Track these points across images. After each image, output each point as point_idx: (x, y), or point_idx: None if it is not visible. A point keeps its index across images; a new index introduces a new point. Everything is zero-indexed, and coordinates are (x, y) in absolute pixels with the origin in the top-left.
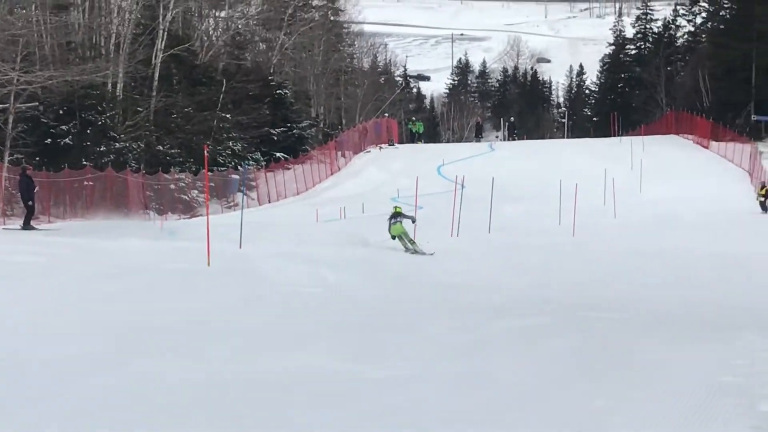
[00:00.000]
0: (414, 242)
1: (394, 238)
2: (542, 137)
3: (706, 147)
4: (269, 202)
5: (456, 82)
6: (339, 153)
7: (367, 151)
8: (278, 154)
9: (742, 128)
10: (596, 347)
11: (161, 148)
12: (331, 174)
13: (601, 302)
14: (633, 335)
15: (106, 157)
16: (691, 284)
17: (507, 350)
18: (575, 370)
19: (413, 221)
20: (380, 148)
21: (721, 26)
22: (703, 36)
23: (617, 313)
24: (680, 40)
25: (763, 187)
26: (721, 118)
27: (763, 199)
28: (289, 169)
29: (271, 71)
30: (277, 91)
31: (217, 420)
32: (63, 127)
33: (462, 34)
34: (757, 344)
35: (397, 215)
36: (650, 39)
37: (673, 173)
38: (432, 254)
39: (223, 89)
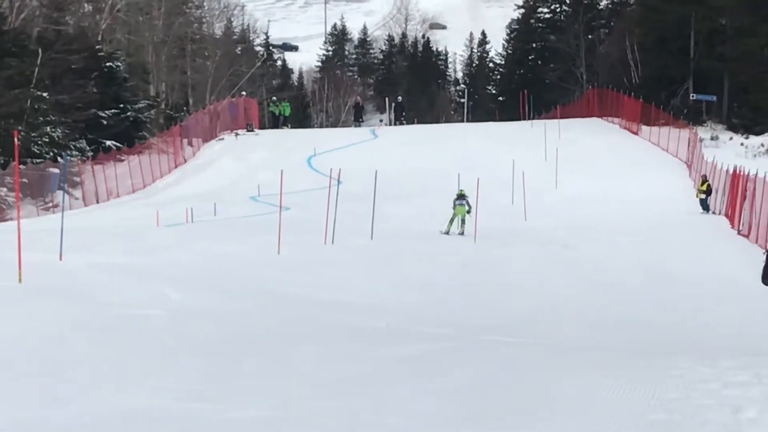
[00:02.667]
0: (464, 223)
1: (455, 215)
2: (437, 121)
3: (636, 133)
4: (97, 202)
5: (330, 53)
6: (185, 141)
7: (220, 139)
8: (109, 143)
9: (678, 110)
10: (503, 379)
11: None
12: (176, 167)
13: (509, 324)
14: (548, 363)
15: None
16: (616, 301)
17: (393, 385)
18: (477, 408)
19: (469, 210)
20: (236, 134)
21: None
22: None
23: (529, 338)
24: (604, 2)
25: (704, 181)
26: (653, 97)
27: (704, 195)
28: (122, 160)
29: (100, 39)
30: (107, 64)
31: None
32: None
33: None
34: (694, 374)
35: (462, 197)
36: (567, 1)
37: (596, 165)
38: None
39: (39, 61)
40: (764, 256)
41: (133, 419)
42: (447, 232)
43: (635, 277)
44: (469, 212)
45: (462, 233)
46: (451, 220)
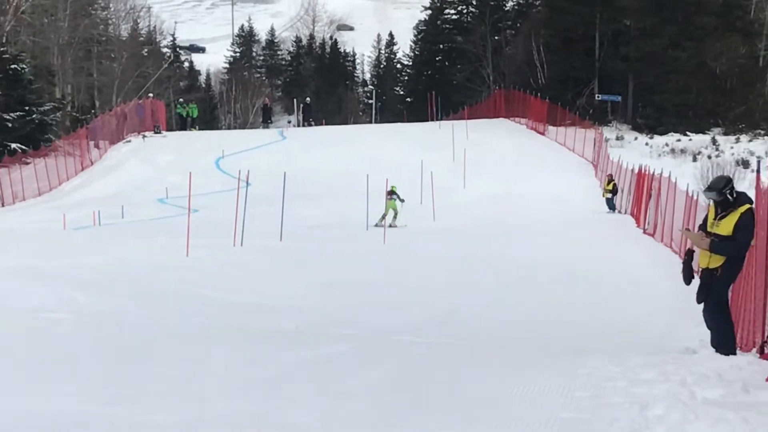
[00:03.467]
0: (396, 218)
1: (387, 211)
2: (345, 122)
3: (542, 133)
4: (2, 205)
5: (238, 54)
6: (92, 143)
7: (128, 141)
8: (13, 145)
9: (584, 110)
10: (413, 380)
11: None
12: (82, 169)
13: (418, 325)
14: (458, 363)
15: None
16: (525, 300)
17: (302, 387)
18: (386, 408)
19: (402, 200)
20: (144, 136)
21: None
22: None
23: (438, 338)
24: (510, 3)
25: (610, 181)
26: (559, 97)
27: (610, 195)
28: (27, 163)
29: (4, 41)
30: (12, 66)
31: None
32: None
33: None
34: (604, 372)
35: (392, 193)
36: (474, 2)
37: (503, 165)
38: (405, 226)
39: None
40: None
41: (39, 424)
42: (377, 225)
43: (544, 276)
44: (402, 201)
45: (394, 225)
46: (383, 215)
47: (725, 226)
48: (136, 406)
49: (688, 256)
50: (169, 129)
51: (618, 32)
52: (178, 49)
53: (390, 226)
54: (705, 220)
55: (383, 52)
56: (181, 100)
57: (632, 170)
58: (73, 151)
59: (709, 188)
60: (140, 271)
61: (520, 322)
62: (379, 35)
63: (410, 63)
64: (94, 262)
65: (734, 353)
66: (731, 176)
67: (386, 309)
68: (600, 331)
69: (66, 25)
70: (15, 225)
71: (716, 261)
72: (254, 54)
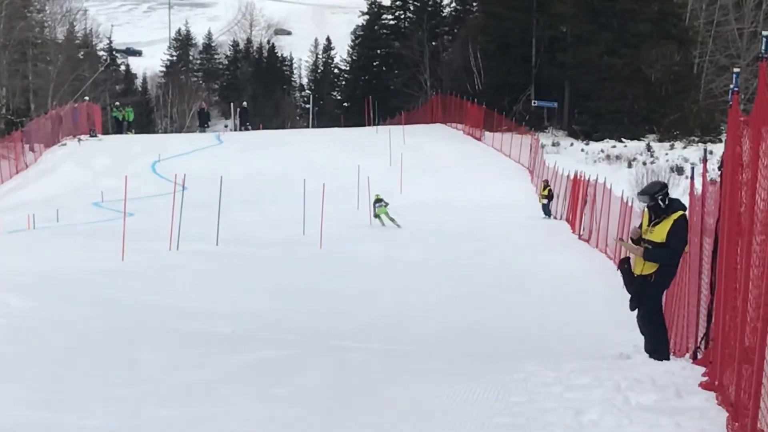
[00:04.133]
0: (393, 219)
1: (377, 216)
2: (282, 127)
3: (479, 138)
4: None
5: (175, 58)
6: (27, 146)
7: (63, 144)
8: None
9: (521, 116)
10: (349, 385)
11: None
12: (17, 172)
13: (355, 330)
14: (394, 369)
15: None
16: (462, 306)
17: (238, 391)
18: (322, 414)
19: (386, 204)
20: (79, 140)
21: None
22: (475, 4)
23: (375, 343)
24: (447, 9)
25: (546, 186)
26: (496, 103)
27: (546, 201)
28: None
29: None
30: None
31: None
32: None
33: None
34: (538, 377)
35: (379, 201)
36: (411, 8)
37: (440, 170)
38: (400, 227)
39: None
40: (618, 271)
41: None
42: (397, 225)
43: (480, 282)
44: (387, 204)
45: (398, 226)
46: (380, 219)
47: (659, 233)
48: (69, 411)
49: (626, 264)
50: (105, 132)
51: (554, 39)
52: (114, 53)
53: (398, 226)
54: (639, 226)
55: (321, 56)
56: (117, 103)
57: (568, 176)
58: (7, 154)
59: (643, 192)
60: (75, 276)
61: (456, 327)
62: (316, 40)
63: (348, 68)
64: (28, 266)
65: (668, 358)
66: (666, 182)
67: (323, 314)
68: (535, 337)
69: (1, 27)
70: None
71: (650, 267)
72: (191, 58)
